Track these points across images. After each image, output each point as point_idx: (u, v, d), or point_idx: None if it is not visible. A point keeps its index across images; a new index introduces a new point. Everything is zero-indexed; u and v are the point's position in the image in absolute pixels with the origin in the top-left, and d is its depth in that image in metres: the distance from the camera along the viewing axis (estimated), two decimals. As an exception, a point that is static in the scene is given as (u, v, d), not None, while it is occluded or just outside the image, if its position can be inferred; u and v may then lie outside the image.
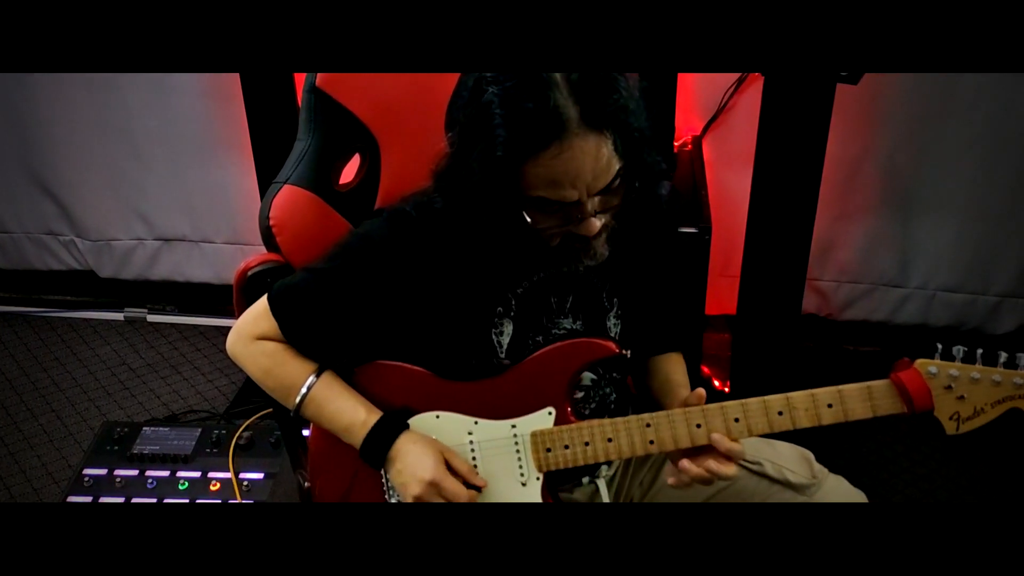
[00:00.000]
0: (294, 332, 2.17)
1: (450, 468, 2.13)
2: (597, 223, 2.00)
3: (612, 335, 2.27)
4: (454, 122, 2.02)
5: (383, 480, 2.23)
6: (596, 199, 1.97)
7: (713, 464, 2.06)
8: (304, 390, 2.18)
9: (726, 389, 3.91)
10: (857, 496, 2.31)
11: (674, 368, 2.41)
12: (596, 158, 1.90)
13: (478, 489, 2.15)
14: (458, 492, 2.09)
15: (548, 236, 2.03)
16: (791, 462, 2.32)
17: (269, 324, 2.17)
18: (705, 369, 4.05)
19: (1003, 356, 1.97)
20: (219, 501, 3.39)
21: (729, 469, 2.06)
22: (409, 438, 2.14)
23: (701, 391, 2.13)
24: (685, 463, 2.08)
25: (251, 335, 2.20)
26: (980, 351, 1.98)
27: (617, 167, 1.95)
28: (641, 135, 1.96)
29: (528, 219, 1.99)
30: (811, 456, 2.35)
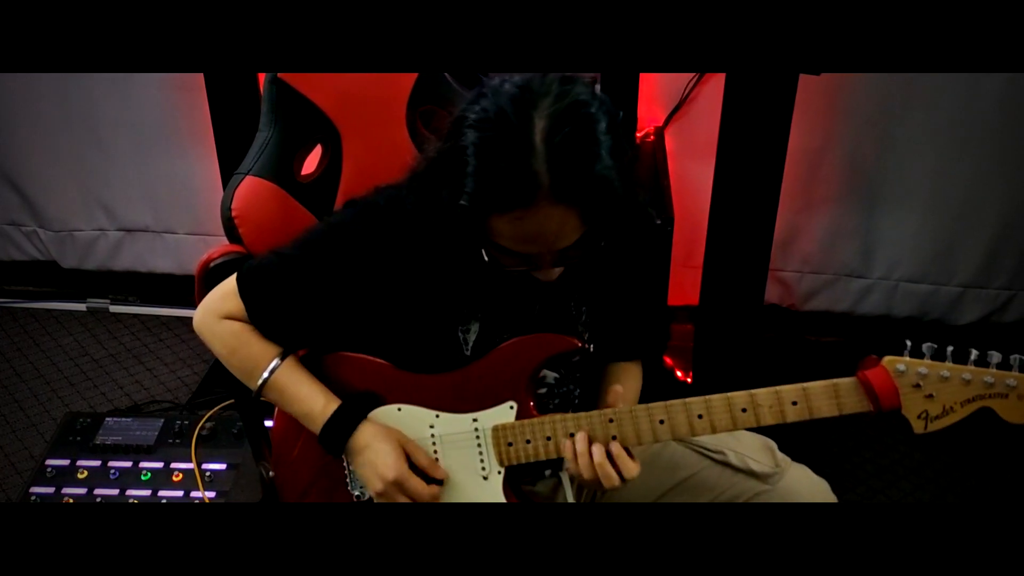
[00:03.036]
0: (259, 315, 2.17)
1: (411, 462, 2.13)
2: (555, 272, 2.01)
3: (579, 342, 2.27)
4: (429, 125, 2.01)
5: (345, 471, 2.24)
6: (556, 253, 1.96)
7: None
8: (266, 374, 2.18)
9: (688, 380, 3.91)
10: (820, 485, 2.32)
11: (627, 381, 2.39)
12: (560, 225, 1.88)
13: (439, 482, 2.15)
14: (421, 492, 2.10)
15: (506, 270, 2.02)
16: (754, 451, 2.33)
17: (236, 304, 2.17)
18: (668, 360, 4.05)
19: (974, 354, 1.94)
20: (181, 493, 3.38)
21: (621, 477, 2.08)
22: (369, 431, 2.15)
23: (617, 388, 2.16)
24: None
25: (218, 313, 2.20)
26: (951, 348, 1.96)
27: (583, 231, 1.93)
28: (616, 204, 1.91)
29: (486, 258, 1.99)
30: (774, 445, 2.36)
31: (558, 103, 1.83)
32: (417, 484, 2.10)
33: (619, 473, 2.06)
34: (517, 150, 1.81)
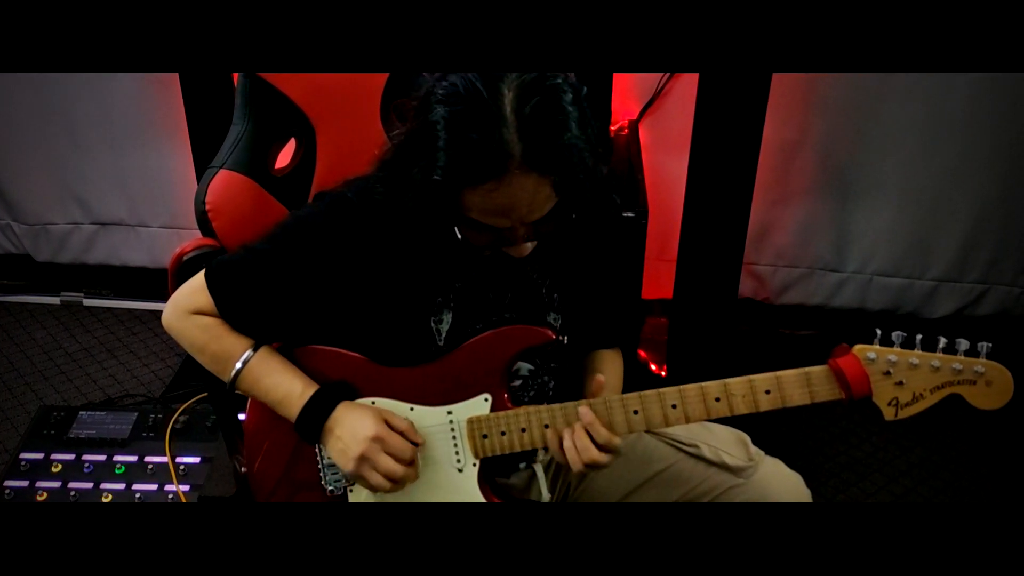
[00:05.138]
0: (229, 309, 2.17)
1: (390, 428, 2.13)
2: (528, 246, 2.02)
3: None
4: (402, 116, 2.01)
5: (319, 466, 2.24)
6: (529, 226, 1.97)
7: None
8: (240, 364, 2.17)
9: (663, 373, 3.92)
10: (793, 479, 2.32)
11: (608, 369, 2.40)
12: (533, 195, 1.89)
13: (416, 445, 2.15)
14: (402, 448, 2.10)
15: (479, 248, 2.04)
16: (728, 445, 2.34)
17: (205, 299, 2.16)
18: (642, 353, 4.06)
19: (942, 341, 1.96)
20: (155, 486, 3.38)
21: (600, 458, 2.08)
22: (346, 406, 2.15)
23: (600, 378, 2.15)
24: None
25: (187, 309, 2.19)
26: (919, 336, 1.98)
27: (555, 201, 1.94)
28: (586, 174, 1.93)
29: (459, 235, 2.00)
30: (747, 439, 2.36)
31: (524, 75, 1.86)
32: (398, 440, 2.10)
33: (596, 444, 2.07)
34: (487, 121, 1.83)
